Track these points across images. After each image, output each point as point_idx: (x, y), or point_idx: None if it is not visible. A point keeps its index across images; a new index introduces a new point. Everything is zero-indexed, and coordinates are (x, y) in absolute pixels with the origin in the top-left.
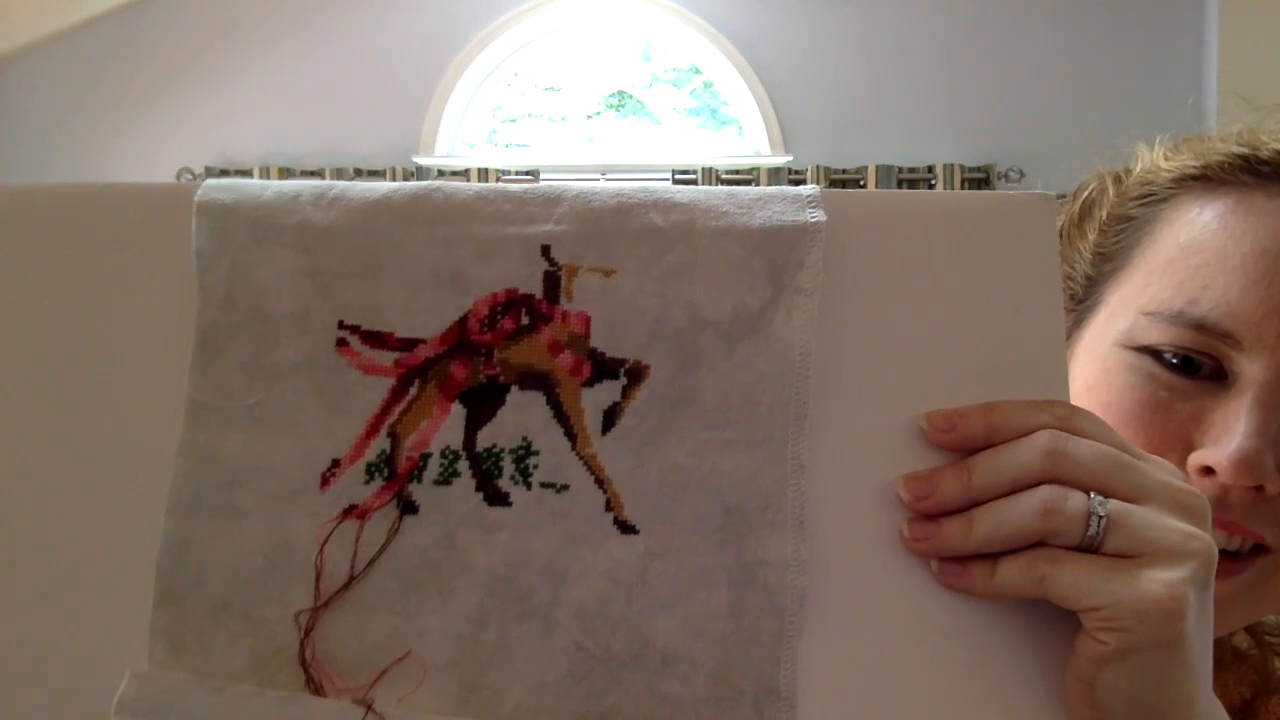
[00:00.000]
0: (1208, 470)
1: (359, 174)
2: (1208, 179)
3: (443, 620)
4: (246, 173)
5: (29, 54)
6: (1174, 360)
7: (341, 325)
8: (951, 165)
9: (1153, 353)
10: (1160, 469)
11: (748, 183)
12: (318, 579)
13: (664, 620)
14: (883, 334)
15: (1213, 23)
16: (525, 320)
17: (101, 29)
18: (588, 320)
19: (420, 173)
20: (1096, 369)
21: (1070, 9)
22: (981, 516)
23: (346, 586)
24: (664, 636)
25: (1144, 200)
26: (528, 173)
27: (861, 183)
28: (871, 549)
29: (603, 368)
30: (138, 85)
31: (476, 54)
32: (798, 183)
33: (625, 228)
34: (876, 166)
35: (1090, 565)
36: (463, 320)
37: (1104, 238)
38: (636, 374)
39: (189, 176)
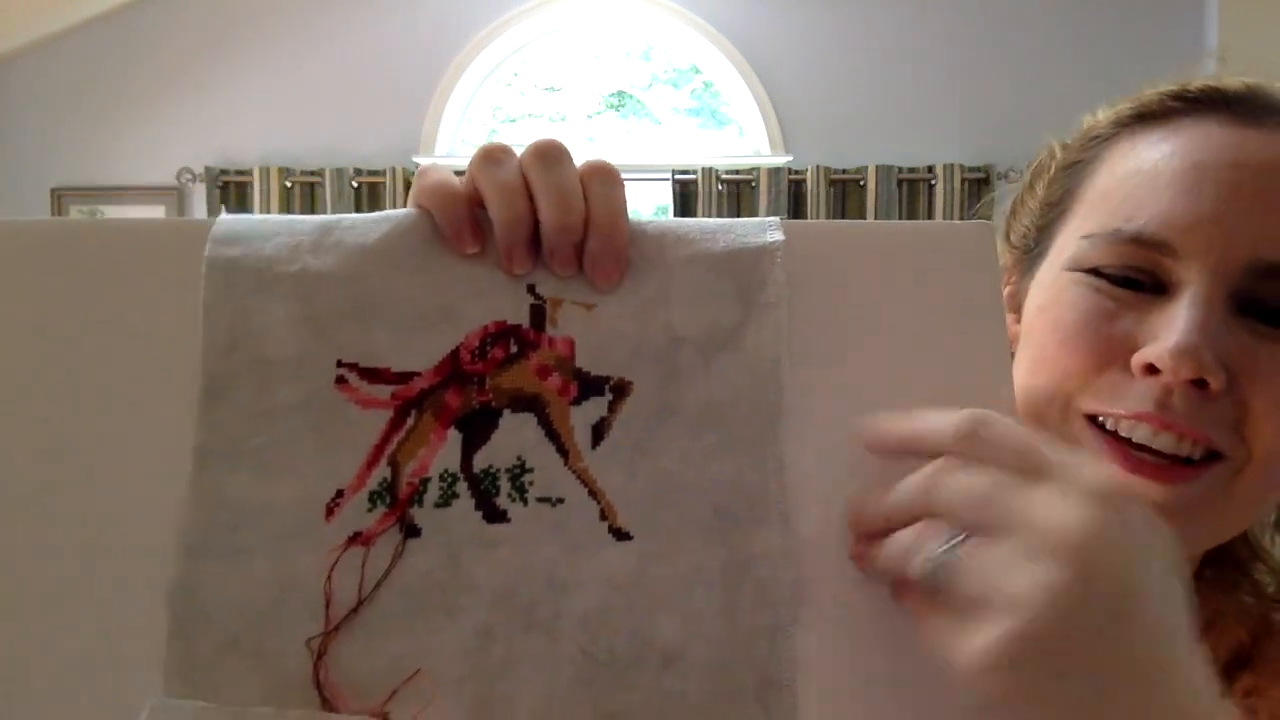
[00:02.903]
0: (1151, 369)
1: (359, 174)
2: (1142, 116)
3: (451, 637)
4: (246, 173)
5: (29, 54)
6: (1117, 277)
7: (340, 364)
8: (951, 165)
9: (1097, 272)
10: (1051, 488)
11: (748, 183)
12: (327, 605)
13: (664, 621)
14: (845, 356)
15: (1213, 23)
16: (514, 349)
17: (101, 29)
18: (572, 344)
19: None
20: (1047, 293)
21: (1070, 9)
22: (885, 547)
23: (355, 610)
24: (665, 637)
25: (1086, 146)
26: None
27: (861, 183)
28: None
29: (589, 386)
30: (138, 85)
31: (476, 54)
32: (798, 183)
33: None
34: (876, 166)
35: (944, 618)
36: (454, 352)
37: (1050, 189)
38: (621, 390)
39: (189, 177)
